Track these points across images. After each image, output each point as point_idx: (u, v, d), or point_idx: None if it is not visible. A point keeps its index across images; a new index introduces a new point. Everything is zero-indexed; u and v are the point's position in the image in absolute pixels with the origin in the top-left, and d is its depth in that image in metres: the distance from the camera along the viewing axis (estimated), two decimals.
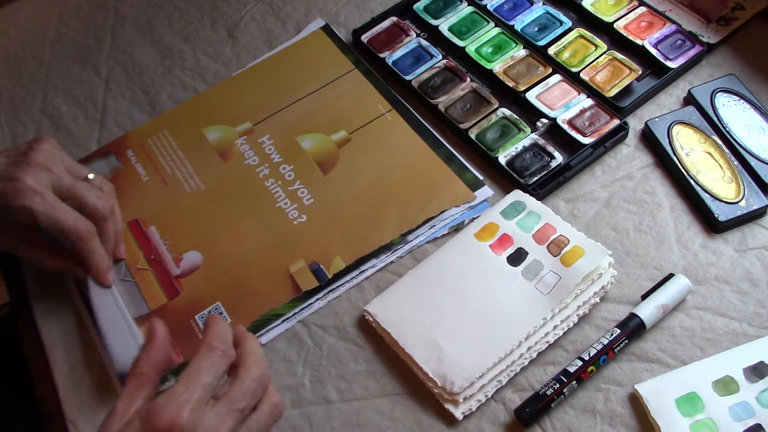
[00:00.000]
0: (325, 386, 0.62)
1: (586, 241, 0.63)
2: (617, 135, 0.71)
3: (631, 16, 0.78)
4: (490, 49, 0.79)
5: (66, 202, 0.63)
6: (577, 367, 0.58)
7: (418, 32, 0.82)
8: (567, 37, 0.78)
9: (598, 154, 0.70)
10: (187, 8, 0.92)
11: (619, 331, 0.59)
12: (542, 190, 0.69)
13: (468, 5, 0.83)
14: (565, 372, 0.58)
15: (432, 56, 0.80)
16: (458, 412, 0.58)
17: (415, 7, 0.84)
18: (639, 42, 0.76)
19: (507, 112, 0.74)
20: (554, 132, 0.72)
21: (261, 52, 0.86)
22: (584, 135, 0.71)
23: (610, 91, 0.73)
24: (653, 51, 0.75)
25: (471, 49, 0.79)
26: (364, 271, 0.67)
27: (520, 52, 0.78)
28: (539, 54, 0.77)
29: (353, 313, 0.66)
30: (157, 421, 0.45)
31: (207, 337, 0.50)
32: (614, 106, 0.72)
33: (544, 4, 0.81)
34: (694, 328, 0.60)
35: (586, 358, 0.58)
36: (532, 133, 0.72)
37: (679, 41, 0.75)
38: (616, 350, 0.59)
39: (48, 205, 0.62)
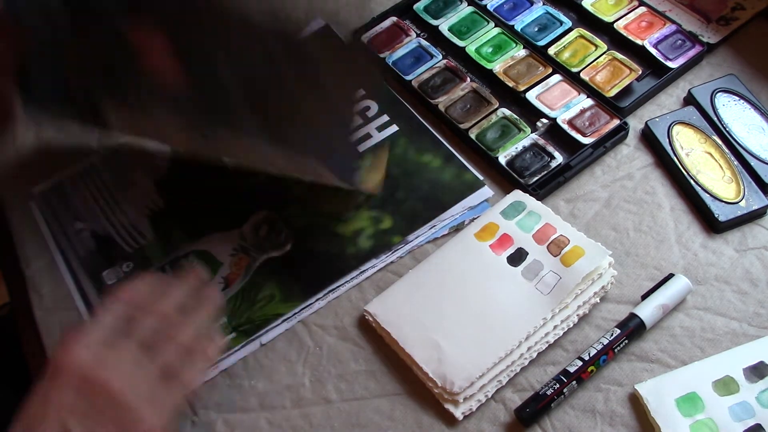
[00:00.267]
0: (325, 386, 0.62)
1: (586, 241, 0.63)
2: (617, 135, 0.71)
3: (631, 16, 0.78)
4: (490, 49, 0.79)
5: None
6: (577, 367, 0.58)
7: (418, 32, 0.82)
8: (567, 37, 0.78)
9: (598, 154, 0.70)
10: None
11: (619, 331, 0.59)
12: (542, 190, 0.68)
13: (468, 5, 0.83)
14: (565, 372, 0.58)
15: (432, 56, 0.80)
16: (458, 412, 0.58)
17: (415, 7, 0.84)
18: (639, 42, 0.76)
19: (507, 112, 0.74)
20: (554, 132, 0.72)
21: None
22: (584, 135, 0.71)
23: (610, 91, 0.73)
24: (653, 51, 0.75)
25: (471, 49, 0.79)
26: (364, 271, 0.67)
27: (520, 52, 0.78)
28: (539, 54, 0.77)
29: (353, 313, 0.66)
30: (57, 358, 0.52)
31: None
32: (614, 106, 0.72)
33: (544, 4, 0.81)
34: (694, 328, 0.60)
35: (586, 358, 0.58)
36: (532, 133, 0.72)
37: (679, 41, 0.75)
38: (616, 350, 0.59)
39: None
